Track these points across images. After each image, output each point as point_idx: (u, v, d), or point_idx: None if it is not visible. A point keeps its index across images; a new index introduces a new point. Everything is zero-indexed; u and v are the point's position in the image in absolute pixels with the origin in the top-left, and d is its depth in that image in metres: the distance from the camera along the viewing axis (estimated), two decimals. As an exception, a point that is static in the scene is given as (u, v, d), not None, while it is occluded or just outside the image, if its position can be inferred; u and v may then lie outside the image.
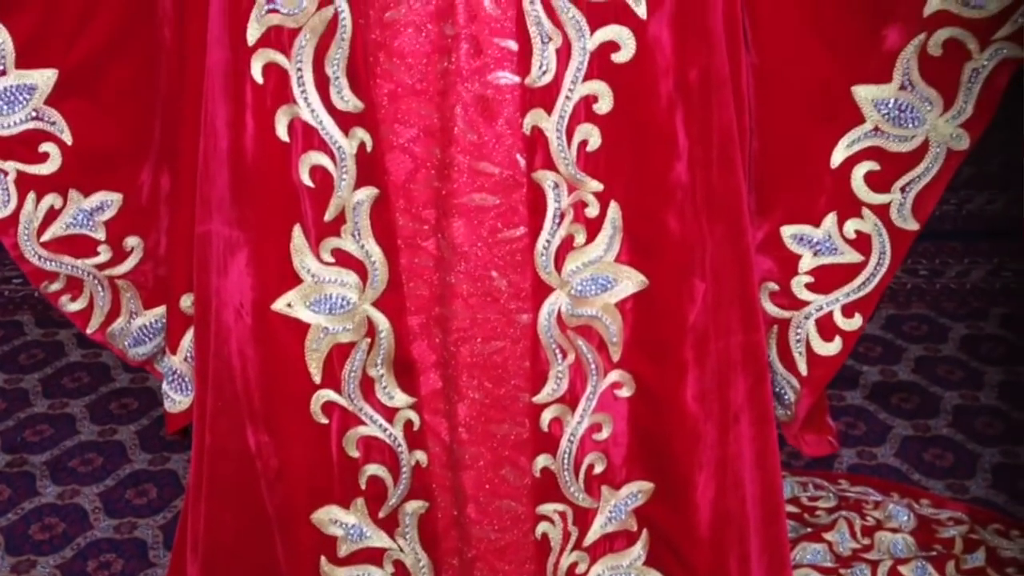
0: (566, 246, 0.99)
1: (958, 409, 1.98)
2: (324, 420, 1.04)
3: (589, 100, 0.96)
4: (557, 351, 1.01)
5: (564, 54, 0.94)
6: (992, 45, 1.04)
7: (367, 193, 0.98)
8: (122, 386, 2.07)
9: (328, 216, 0.99)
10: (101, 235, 1.15)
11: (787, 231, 1.11)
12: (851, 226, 1.10)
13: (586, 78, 0.95)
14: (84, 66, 1.09)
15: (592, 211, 0.98)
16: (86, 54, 1.08)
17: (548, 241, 0.98)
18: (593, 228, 0.99)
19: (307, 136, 0.98)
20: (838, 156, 1.08)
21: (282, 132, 0.98)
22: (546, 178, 0.96)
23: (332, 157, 0.98)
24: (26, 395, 2.03)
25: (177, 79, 1.10)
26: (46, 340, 2.20)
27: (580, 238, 0.99)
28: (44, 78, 1.08)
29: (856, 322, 1.12)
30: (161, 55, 1.11)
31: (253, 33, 0.97)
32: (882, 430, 1.92)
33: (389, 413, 1.04)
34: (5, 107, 1.07)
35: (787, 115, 1.08)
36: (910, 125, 1.07)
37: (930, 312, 2.30)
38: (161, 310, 1.19)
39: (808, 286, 1.12)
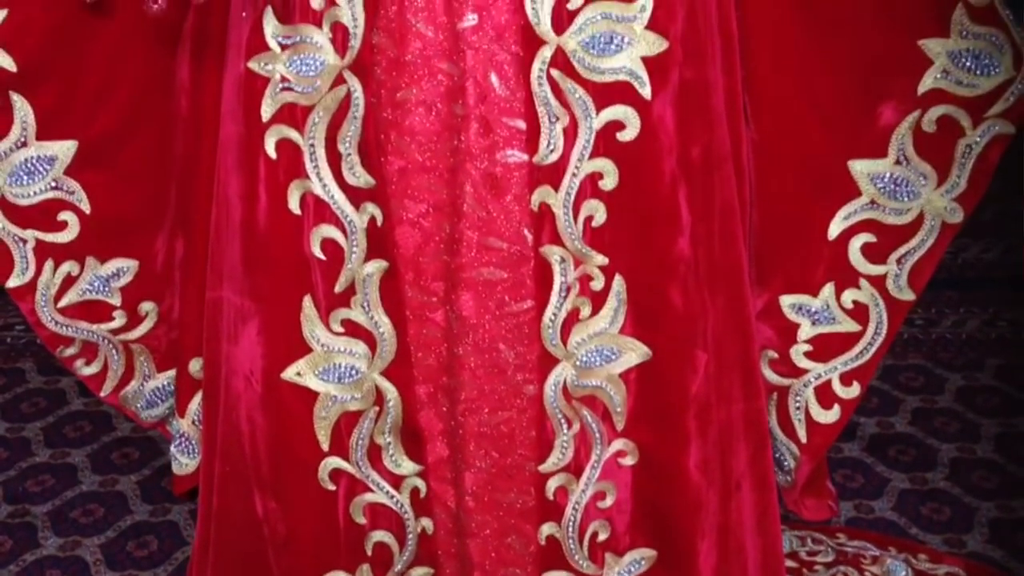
0: (572, 319, 1.01)
1: (955, 462, 2.00)
2: (332, 487, 1.06)
3: (595, 177, 0.99)
4: (563, 421, 1.03)
5: (571, 133, 0.97)
6: (985, 122, 1.07)
7: (377, 266, 1.01)
8: (123, 435, 2.08)
9: (338, 287, 1.02)
10: (117, 301, 1.17)
11: (786, 300, 1.14)
12: (848, 296, 1.13)
13: (592, 156, 0.98)
14: (104, 137, 1.12)
15: (597, 284, 1.01)
16: (106, 126, 1.11)
17: (555, 314, 1.00)
18: (598, 301, 1.01)
19: (319, 210, 1.01)
20: (835, 228, 1.12)
21: (294, 206, 1.01)
22: (553, 253, 0.99)
23: (343, 230, 1.00)
24: (28, 444, 2.04)
25: (193, 148, 1.13)
26: (48, 388, 2.21)
27: (585, 311, 1.01)
28: (64, 149, 1.10)
29: (854, 390, 1.14)
30: (177, 124, 1.14)
31: (267, 110, 1.00)
32: (879, 483, 1.94)
33: (396, 480, 1.06)
34: (26, 177, 1.10)
35: (786, 188, 1.12)
36: (905, 199, 1.10)
37: (927, 363, 2.32)
38: (173, 372, 1.21)
39: (807, 354, 1.14)
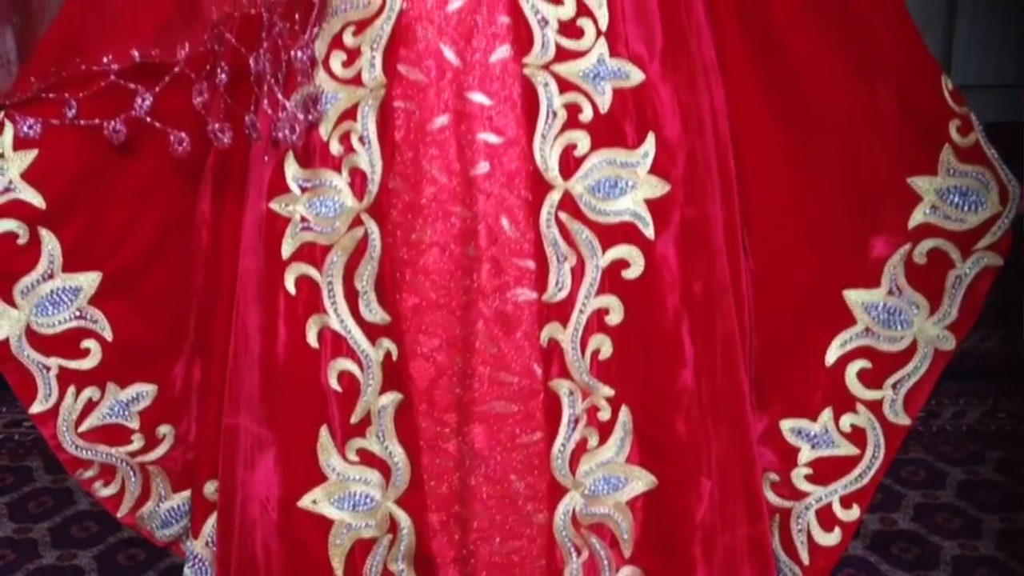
0: (580, 449, 1.04)
1: (957, 560, 2.00)
2: None
3: (601, 313, 1.03)
4: (572, 549, 1.06)
5: (578, 272, 1.01)
6: (974, 255, 1.12)
7: (392, 398, 1.04)
8: (130, 535, 2.07)
9: (354, 419, 1.05)
10: (135, 424, 1.20)
11: (786, 424, 1.17)
12: (847, 421, 1.16)
13: (598, 293, 1.02)
14: (127, 268, 1.16)
15: (604, 415, 1.04)
16: (130, 258, 1.16)
17: (563, 445, 1.04)
18: (605, 431, 1.05)
19: (336, 344, 1.05)
20: (832, 355, 1.15)
21: (312, 340, 1.05)
22: (562, 386, 1.03)
23: (359, 364, 1.04)
24: (35, 546, 2.05)
25: (212, 278, 1.17)
26: (55, 487, 2.22)
27: (593, 441, 1.05)
28: (89, 280, 1.15)
29: (854, 513, 1.17)
30: (197, 255, 1.18)
31: (288, 248, 1.05)
32: (884, 583, 1.94)
33: None
34: (51, 308, 1.14)
35: (784, 316, 1.16)
36: (899, 327, 1.14)
37: (927, 456, 2.33)
38: (188, 493, 1.24)
39: (808, 478, 1.17)
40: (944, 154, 1.10)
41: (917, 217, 1.11)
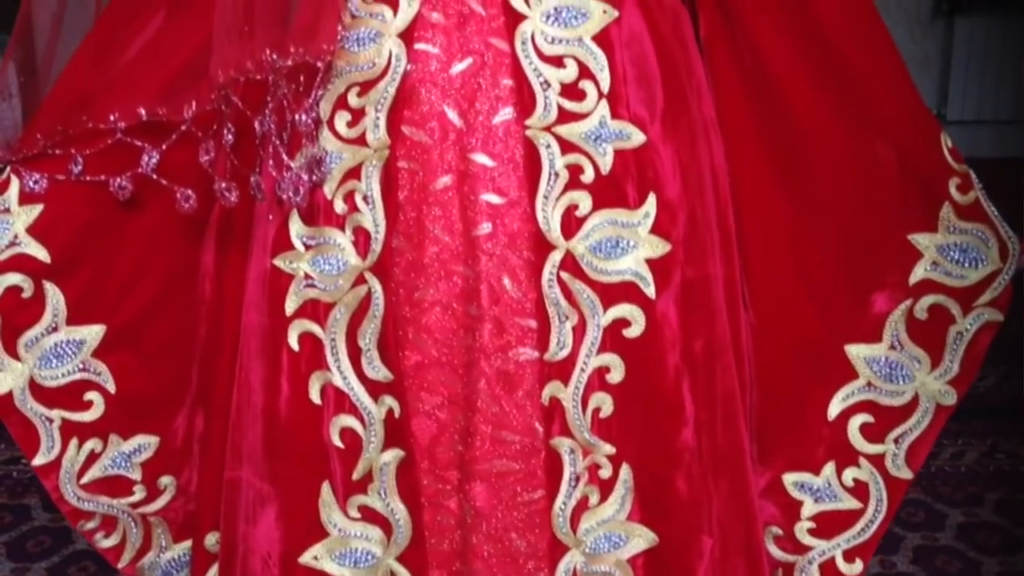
0: (581, 506, 1.05)
1: (959, 605, 2.00)
2: None
3: (602, 371, 1.03)
4: (573, 607, 1.06)
5: (580, 331, 1.02)
6: (974, 310, 1.13)
7: (394, 455, 1.05)
8: None
9: (356, 475, 1.05)
10: (137, 475, 1.20)
11: (789, 478, 1.17)
12: (849, 474, 1.16)
13: (599, 351, 1.03)
14: (131, 321, 1.16)
15: (605, 473, 1.05)
16: (134, 310, 1.16)
17: (564, 503, 1.04)
18: (606, 489, 1.05)
19: (338, 401, 1.05)
20: (834, 409, 1.16)
21: (315, 396, 1.05)
22: (563, 444, 1.03)
23: (362, 421, 1.05)
24: (33, 586, 2.05)
25: (215, 330, 1.18)
26: (54, 526, 2.21)
27: (594, 499, 1.05)
28: (93, 333, 1.15)
29: (857, 567, 1.17)
30: (200, 307, 1.18)
31: (291, 304, 1.05)
32: (887, 628, 1.94)
33: None
34: (55, 360, 1.14)
35: (785, 371, 1.16)
36: (901, 382, 1.14)
37: (926, 497, 2.33)
38: (189, 543, 1.24)
39: (811, 531, 1.17)
40: (944, 211, 1.11)
41: (918, 273, 1.12)
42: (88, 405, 1.16)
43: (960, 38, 4.23)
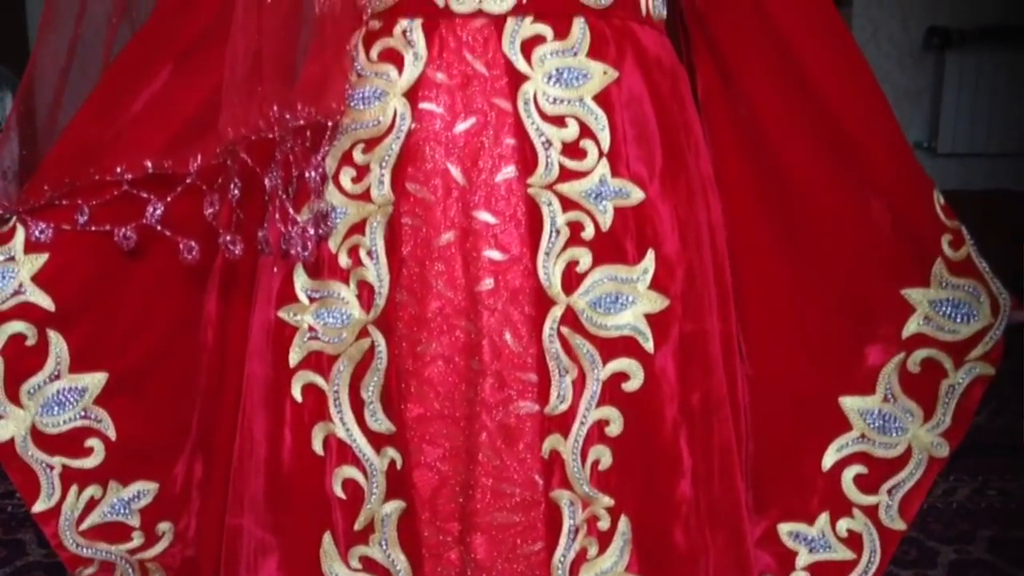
0: (580, 558, 1.05)
1: (951, 644, 2.01)
2: None
3: (602, 424, 1.04)
4: (572, 659, 1.07)
5: (579, 384, 1.03)
6: (966, 364, 1.15)
7: (395, 506, 1.05)
8: (123, 611, 2.07)
9: (358, 526, 1.06)
10: (136, 522, 1.20)
11: (783, 528, 1.18)
12: (843, 525, 1.18)
13: (599, 404, 1.04)
14: (133, 369, 1.17)
15: (604, 524, 1.06)
16: (136, 358, 1.17)
17: (564, 555, 1.05)
18: (605, 540, 1.06)
19: (341, 452, 1.06)
20: (828, 460, 1.17)
21: (317, 447, 1.06)
22: (562, 497, 1.04)
23: (364, 472, 1.05)
24: (27, 622, 2.04)
25: (217, 377, 1.19)
26: (48, 561, 2.21)
27: (593, 550, 1.06)
28: (95, 381, 1.16)
29: (851, 618, 1.18)
30: (202, 354, 1.20)
31: (295, 356, 1.07)
32: (878, 667, 1.94)
33: None
34: (57, 408, 1.14)
35: (781, 421, 1.18)
36: (894, 434, 1.16)
37: (919, 535, 2.35)
38: (187, 590, 1.24)
39: (806, 582, 1.18)
40: (936, 267, 1.13)
41: (911, 327, 1.14)
42: (89, 452, 1.17)
43: (951, 72, 4.28)
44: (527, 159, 1.01)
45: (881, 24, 4.26)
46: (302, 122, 0.97)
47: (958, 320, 1.13)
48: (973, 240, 1.15)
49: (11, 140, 1.14)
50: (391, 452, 1.05)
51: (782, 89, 1.12)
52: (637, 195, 1.04)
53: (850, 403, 1.16)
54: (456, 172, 1.02)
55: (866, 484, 1.17)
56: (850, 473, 1.17)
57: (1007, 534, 2.35)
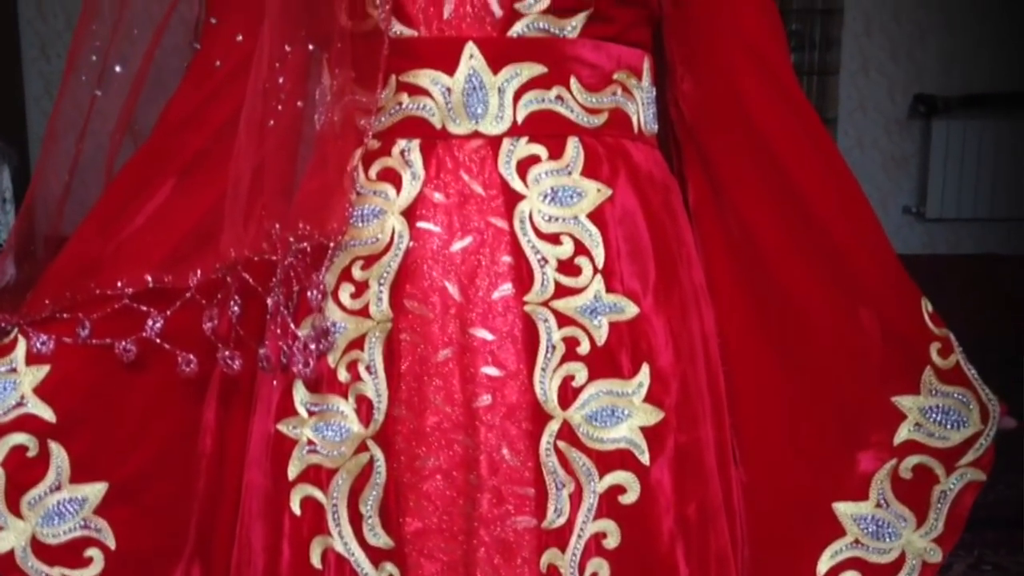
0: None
1: None
2: None
3: (599, 537, 1.05)
4: None
5: (576, 498, 1.04)
6: (957, 470, 1.16)
7: (393, 620, 1.06)
8: None
9: (356, 639, 1.06)
10: None
11: (781, 632, 1.19)
12: (839, 630, 1.18)
13: (596, 517, 1.05)
14: (133, 478, 1.17)
15: (603, 637, 1.06)
16: (136, 467, 1.17)
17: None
18: (603, 651, 1.06)
19: (339, 566, 1.06)
20: (823, 565, 1.17)
21: (316, 561, 1.07)
22: (560, 611, 1.05)
23: (362, 586, 1.06)
24: None
25: (215, 484, 1.19)
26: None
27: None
28: (95, 491, 1.16)
29: None
30: (201, 462, 1.20)
31: (294, 469, 1.08)
32: None
33: None
34: (57, 519, 1.15)
35: (776, 526, 1.18)
36: (887, 539, 1.17)
37: (916, 612, 2.33)
38: None
39: None
40: (926, 375, 1.15)
41: (902, 434, 1.15)
42: (88, 562, 1.17)
43: (937, 138, 4.36)
44: (523, 276, 1.04)
45: (868, 93, 4.35)
46: (305, 245, 0.99)
47: (948, 427, 1.15)
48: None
49: (12, 253, 1.16)
50: (389, 567, 1.05)
51: (772, 200, 1.15)
52: (631, 310, 1.06)
53: (844, 508, 1.17)
54: (453, 290, 1.04)
55: (861, 590, 1.18)
56: (845, 578, 1.18)
57: (1004, 611, 2.34)
